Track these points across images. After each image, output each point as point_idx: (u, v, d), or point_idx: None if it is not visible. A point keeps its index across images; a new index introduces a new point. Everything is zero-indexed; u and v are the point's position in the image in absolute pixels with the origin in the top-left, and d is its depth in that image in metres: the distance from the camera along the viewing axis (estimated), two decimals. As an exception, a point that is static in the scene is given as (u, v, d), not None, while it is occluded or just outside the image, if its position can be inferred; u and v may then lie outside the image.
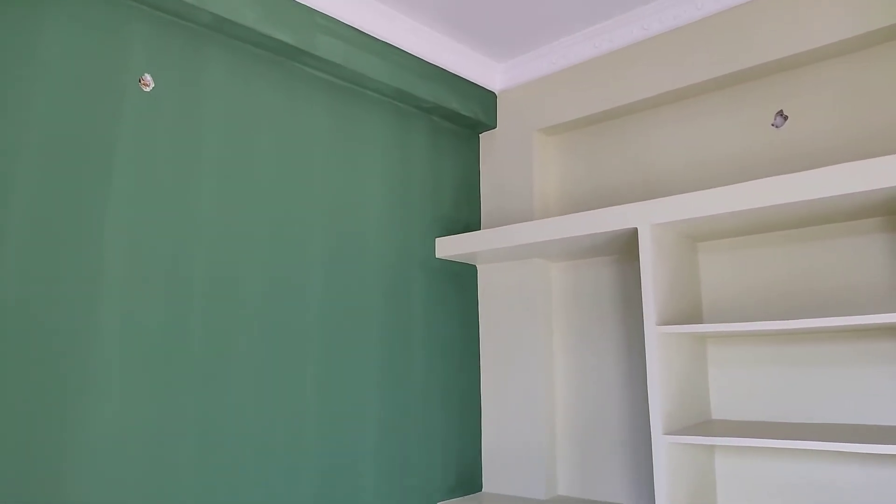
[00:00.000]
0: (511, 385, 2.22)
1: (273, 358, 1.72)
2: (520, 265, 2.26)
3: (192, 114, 1.64)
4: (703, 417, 1.84)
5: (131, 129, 1.52)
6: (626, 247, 2.00)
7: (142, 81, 1.55)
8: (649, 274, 1.71)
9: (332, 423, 1.83)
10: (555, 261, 2.25)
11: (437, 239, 2.23)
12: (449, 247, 2.19)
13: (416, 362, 2.10)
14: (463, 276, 2.33)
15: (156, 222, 1.54)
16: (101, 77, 1.49)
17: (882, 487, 1.60)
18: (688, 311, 1.85)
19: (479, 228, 2.43)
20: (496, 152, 2.43)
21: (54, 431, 1.34)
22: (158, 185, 1.56)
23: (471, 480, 2.23)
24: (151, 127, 1.56)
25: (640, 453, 2.01)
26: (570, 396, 2.19)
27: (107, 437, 1.41)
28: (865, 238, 1.68)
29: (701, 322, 1.92)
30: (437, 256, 2.23)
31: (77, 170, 1.43)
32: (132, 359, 1.46)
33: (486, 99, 2.40)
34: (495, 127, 2.43)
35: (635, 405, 2.03)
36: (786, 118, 1.83)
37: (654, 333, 1.68)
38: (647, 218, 1.73)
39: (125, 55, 1.53)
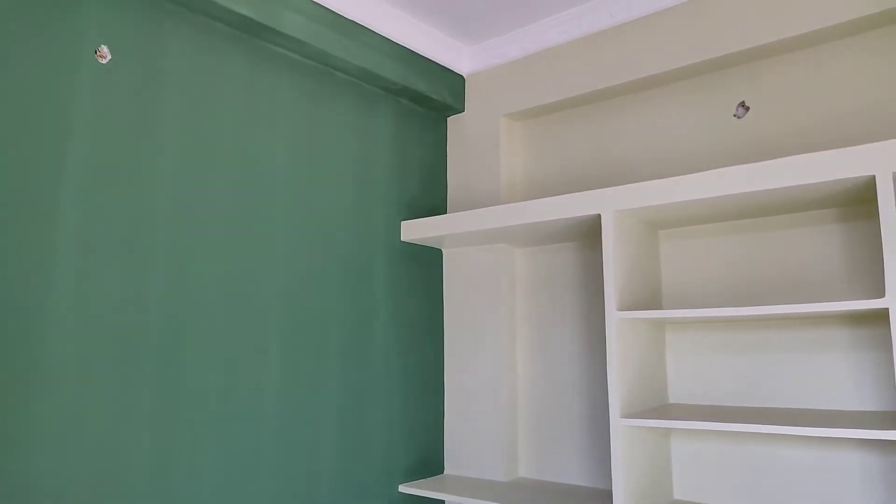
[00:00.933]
0: (474, 368, 2.24)
1: (233, 339, 1.70)
2: (485, 250, 2.26)
3: (150, 88, 1.60)
4: (660, 402, 1.88)
5: (87, 102, 1.48)
6: (589, 233, 2.02)
7: (98, 53, 1.50)
8: (611, 260, 1.73)
9: (293, 405, 1.82)
10: (519, 246, 2.26)
11: (402, 222, 2.22)
12: (414, 230, 2.18)
13: (379, 345, 2.10)
14: (428, 260, 2.32)
15: (112, 198, 1.50)
16: (55, 48, 1.44)
17: (831, 470, 1.65)
18: (648, 298, 1.88)
19: (445, 212, 2.42)
20: (463, 136, 2.42)
21: (5, 413, 1.30)
22: (115, 160, 1.52)
23: (432, 462, 2.24)
24: (108, 100, 1.52)
25: (599, 436, 2.04)
26: (531, 380, 2.21)
27: (61, 418, 1.38)
28: (821, 228, 1.72)
29: (661, 308, 1.95)
30: (402, 240, 2.22)
31: (31, 143, 1.38)
32: (87, 338, 1.43)
33: (454, 82, 2.39)
34: (463, 111, 2.42)
35: (595, 389, 2.06)
36: (747, 109, 1.86)
37: (615, 319, 1.70)
38: (609, 204, 1.74)
39: (80, 26, 1.48)
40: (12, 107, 1.37)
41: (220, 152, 1.72)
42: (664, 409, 1.78)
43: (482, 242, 2.23)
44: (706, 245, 1.90)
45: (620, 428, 1.66)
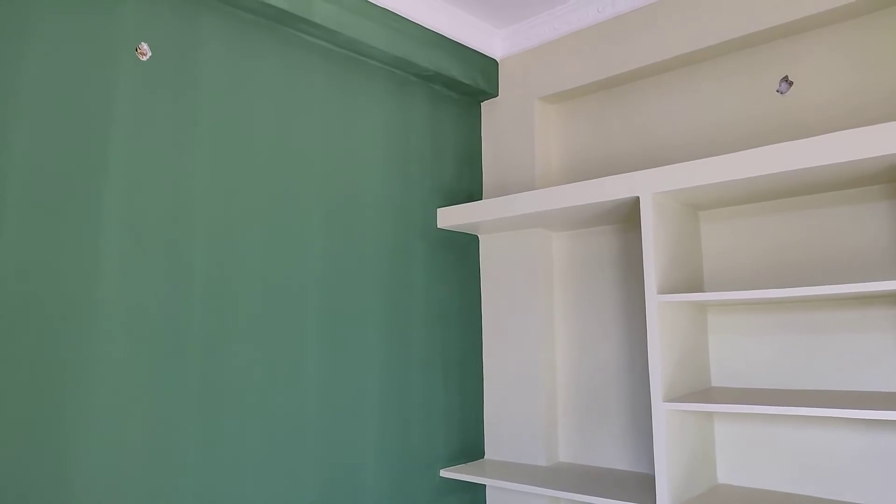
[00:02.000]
0: (512, 353, 2.24)
1: (273, 331, 1.73)
2: (521, 235, 2.25)
3: (188, 82, 1.62)
4: (703, 385, 1.85)
5: (129, 98, 1.51)
6: (627, 216, 2.00)
7: (138, 50, 1.53)
8: (651, 243, 1.70)
9: (335, 395, 1.85)
10: (556, 230, 2.25)
11: (438, 209, 2.23)
12: (450, 217, 2.18)
13: (417, 332, 2.11)
14: (464, 247, 2.32)
15: (153, 194, 1.53)
16: (96, 47, 1.47)
17: (880, 453, 1.62)
18: (689, 280, 1.85)
19: (480, 198, 2.42)
20: (497, 121, 2.40)
21: (54, 411, 1.35)
22: (156, 155, 1.55)
23: (473, 448, 2.26)
24: (149, 96, 1.54)
25: (641, 420, 2.02)
26: (571, 365, 2.20)
27: (107, 416, 1.42)
28: (867, 206, 1.67)
29: (702, 291, 1.92)
30: (438, 227, 2.22)
31: (74, 143, 1.42)
32: (132, 334, 1.47)
33: (488, 66, 2.37)
34: (497, 95, 2.41)
35: (635, 373, 2.05)
36: (791, 84, 1.80)
37: (655, 302, 1.68)
38: (649, 186, 1.72)
39: (119, 24, 1.51)
40: (57, 105, 1.40)
41: (256, 143, 1.74)
42: (707, 393, 1.76)
43: (518, 227, 2.22)
44: (748, 225, 1.86)
45: (663, 412, 1.65)
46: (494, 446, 2.26)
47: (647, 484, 1.85)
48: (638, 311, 2.06)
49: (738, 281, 1.87)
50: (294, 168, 1.82)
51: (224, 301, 1.63)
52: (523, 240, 2.25)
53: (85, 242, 1.41)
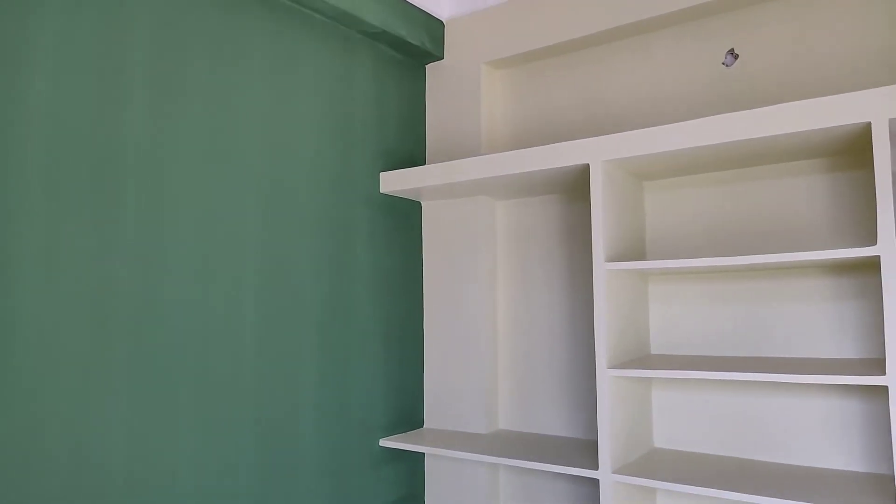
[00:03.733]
0: (454, 322, 2.21)
1: (206, 296, 1.63)
2: (465, 202, 2.22)
3: (116, 28, 1.48)
4: (642, 353, 1.88)
5: (50, 36, 1.36)
6: (574, 185, 1.99)
7: (58, -17, 1.38)
8: (599, 211, 1.70)
9: (269, 363, 1.77)
10: (500, 198, 2.22)
11: (381, 173, 2.16)
12: (393, 182, 2.12)
13: (357, 299, 2.05)
14: (407, 213, 2.27)
15: (80, 141, 1.40)
16: (10, -25, 1.31)
17: (811, 417, 1.69)
18: (633, 250, 1.87)
19: (424, 163, 2.36)
20: (443, 85, 2.35)
21: (-31, 368, 1.22)
22: (78, 101, 1.41)
23: (412, 416, 2.23)
24: (72, 44, 1.40)
25: (580, 388, 2.05)
26: (512, 333, 2.20)
27: (31, 375, 1.30)
28: (808, 178, 1.72)
29: (646, 259, 1.94)
30: (381, 191, 2.15)
31: (-15, 80, 1.27)
32: (57, 292, 1.35)
33: (434, 27, 2.30)
34: (442, 58, 2.34)
35: (577, 341, 2.06)
36: (736, 57, 1.83)
37: (603, 270, 1.68)
38: (599, 154, 1.71)
39: (37, -49, 1.36)
40: (-35, 38, 1.25)
41: (189, 94, 1.62)
42: (647, 360, 1.79)
43: (462, 195, 2.18)
44: (691, 196, 1.89)
45: (607, 378, 1.66)
46: (434, 415, 2.24)
47: (586, 449, 1.88)
48: (580, 280, 2.07)
49: (680, 251, 1.90)
50: (229, 125, 1.71)
51: (155, 263, 1.52)
52: (467, 207, 2.21)
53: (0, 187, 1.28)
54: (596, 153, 1.71)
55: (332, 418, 1.93)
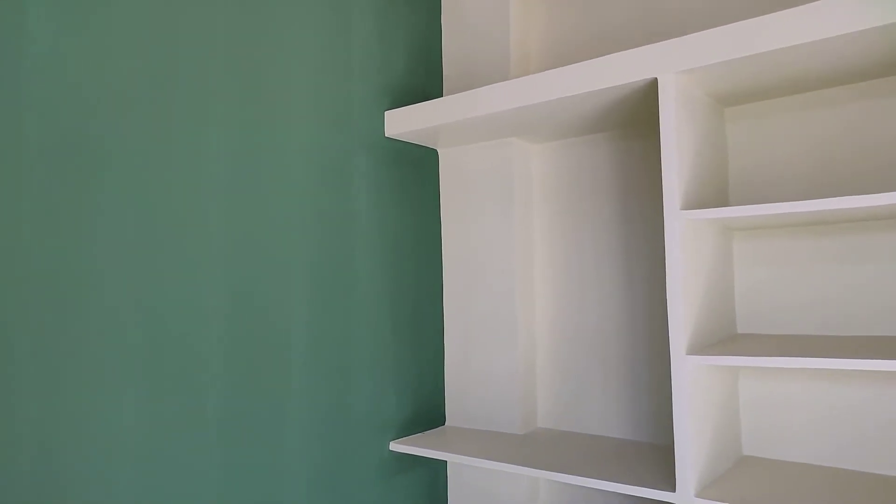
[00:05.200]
0: (481, 296, 1.79)
1: (160, 265, 1.23)
2: (492, 147, 1.78)
3: None
4: (728, 331, 1.44)
5: None
6: (631, 115, 1.54)
7: None
8: (672, 142, 1.25)
9: (244, 343, 1.37)
10: (536, 141, 1.78)
11: (386, 112, 1.73)
12: (401, 121, 1.69)
13: (359, 269, 1.64)
14: (420, 163, 1.84)
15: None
16: None
17: (966, 418, 1.23)
18: (714, 196, 1.41)
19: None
20: (462, 0, 1.90)
21: None
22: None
23: (431, 413, 1.82)
24: None
25: (641, 378, 1.61)
26: (554, 309, 1.76)
27: None
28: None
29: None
30: (386, 135, 1.73)
31: None
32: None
33: (450, -68, 1.85)
34: (461, -30, 1.89)
35: (636, 318, 1.62)
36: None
37: (679, 221, 1.24)
38: (671, 63, 1.25)
39: None
40: None
41: (130, 21, 1.21)
42: (735, 342, 1.34)
43: (488, 137, 1.74)
44: (789, 124, 1.42)
45: (687, 368, 1.22)
46: (458, 411, 1.83)
47: (653, 457, 1.45)
48: (641, 240, 1.62)
49: (773, 197, 1.45)
50: (198, 55, 1.29)
51: (88, 210, 1.13)
52: (495, 153, 1.77)
53: None
54: (666, 62, 1.26)
55: (327, 415, 1.53)
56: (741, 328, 1.48)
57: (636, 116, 1.53)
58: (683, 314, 1.23)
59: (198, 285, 1.28)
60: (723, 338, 1.40)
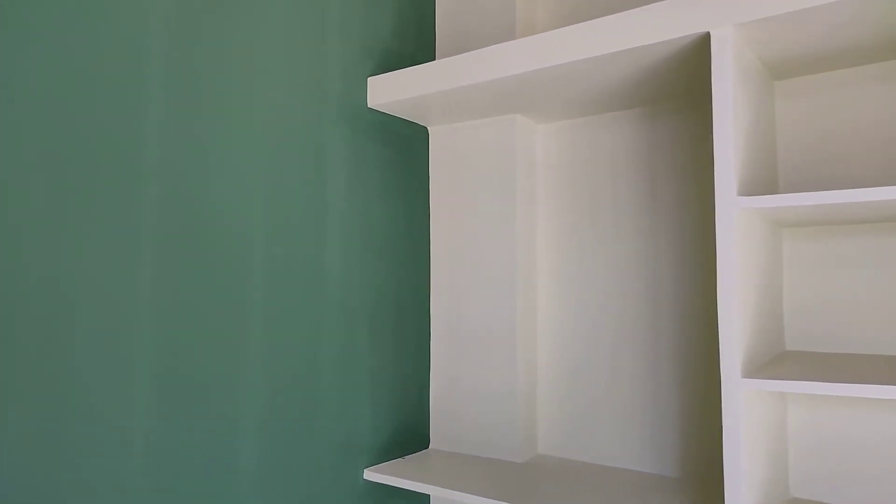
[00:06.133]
0: (474, 300, 1.53)
1: (84, 267, 0.95)
2: (491, 125, 1.52)
3: None
4: (777, 348, 1.19)
5: None
6: (667, 88, 1.29)
7: None
8: (729, 112, 1.00)
9: (181, 351, 1.09)
10: (543, 119, 1.52)
11: (369, 79, 1.46)
12: (386, 89, 1.42)
13: (330, 268, 1.36)
14: (407, 142, 1.58)
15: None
16: None
17: None
18: (766, 185, 1.17)
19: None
20: (460, -42, 1.64)
21: None
22: None
23: (413, 434, 1.55)
24: None
25: (661, 399, 1.36)
26: (559, 317, 1.51)
27: None
28: None
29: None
30: (369, 106, 1.46)
31: None
32: None
33: None
34: (459, -80, 1.63)
35: (659, 332, 1.37)
36: None
37: (734, 210, 0.99)
38: (728, 14, 1.00)
39: None
40: None
41: None
42: (793, 363, 1.10)
43: (487, 113, 1.48)
44: (848, 99, 1.19)
45: (742, 393, 0.98)
46: (445, 432, 1.57)
47: (681, 495, 1.20)
48: (667, 239, 1.37)
49: (827, 183, 1.21)
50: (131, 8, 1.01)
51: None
52: (494, 132, 1.52)
53: None
54: (723, 13, 1.01)
55: (289, 438, 1.26)
56: (790, 343, 1.23)
57: (673, 87, 1.29)
58: (739, 329, 0.98)
59: (119, 283, 1.00)
60: (772, 356, 1.16)
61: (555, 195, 1.53)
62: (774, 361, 1.11)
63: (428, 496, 1.58)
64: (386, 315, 1.49)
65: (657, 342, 1.37)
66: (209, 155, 1.13)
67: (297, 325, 1.28)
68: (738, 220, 0.99)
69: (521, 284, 1.47)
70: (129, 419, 1.00)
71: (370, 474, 1.39)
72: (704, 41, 1.05)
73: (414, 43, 1.60)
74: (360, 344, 1.42)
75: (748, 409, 1.00)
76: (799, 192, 1.18)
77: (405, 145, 1.56)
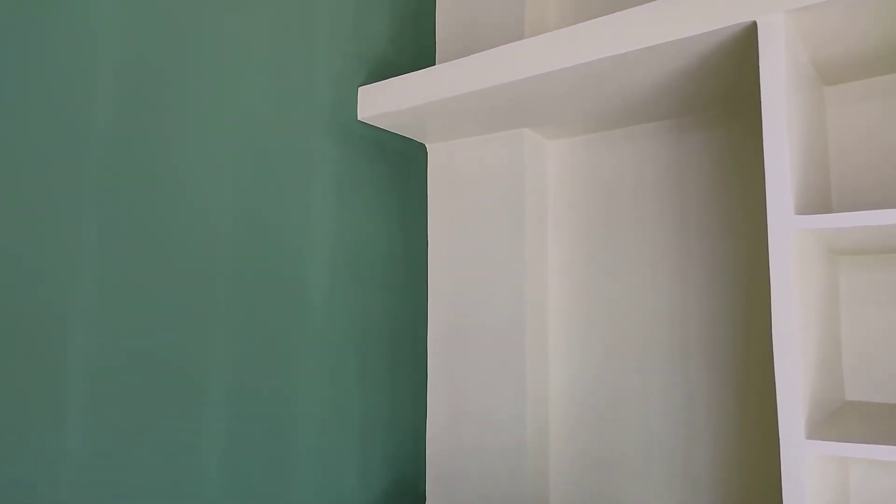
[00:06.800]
0: (477, 336, 1.35)
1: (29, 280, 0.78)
2: (495, 142, 1.36)
3: None
4: (837, 399, 1.01)
5: None
6: (699, 95, 1.12)
7: None
8: (781, 115, 0.83)
9: (125, 392, 0.91)
10: (555, 134, 1.36)
11: (360, 88, 1.31)
12: (380, 100, 1.27)
13: (313, 297, 1.19)
14: (403, 160, 1.42)
15: None
16: None
17: None
18: (817, 204, 1.00)
19: (430, 88, 1.50)
20: (462, -39, 1.49)
21: None
22: None
23: (407, 489, 1.36)
24: None
25: (695, 458, 1.17)
26: (574, 358, 1.32)
27: None
28: None
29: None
30: (359, 118, 1.30)
31: None
32: None
33: None
34: (462, -80, 1.50)
35: (689, 374, 1.19)
36: None
37: (790, 231, 0.81)
38: (780, 0, 0.84)
39: None
40: None
41: None
42: (850, 416, 0.91)
43: (492, 128, 1.32)
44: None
45: (807, 457, 0.79)
46: (443, 488, 1.37)
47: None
48: (698, 269, 1.20)
49: (877, 197, 1.04)
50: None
51: None
52: (499, 149, 1.35)
53: None
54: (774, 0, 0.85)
55: (257, 497, 1.07)
56: (850, 394, 1.05)
57: (708, 94, 1.12)
58: (800, 377, 0.80)
59: (62, 313, 0.83)
60: (833, 409, 0.97)
61: (568, 221, 1.36)
62: (837, 416, 0.93)
63: (423, 566, 1.38)
64: (376, 353, 1.31)
65: (689, 388, 1.18)
66: (177, 166, 0.97)
67: (272, 362, 1.10)
68: (794, 243, 0.82)
69: (531, 319, 1.29)
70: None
71: (356, 541, 1.20)
72: (749, 34, 0.89)
73: (412, 50, 1.45)
74: (345, 386, 1.24)
75: (812, 476, 0.81)
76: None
77: (401, 163, 1.40)
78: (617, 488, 1.25)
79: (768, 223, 0.82)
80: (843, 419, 0.89)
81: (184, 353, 0.97)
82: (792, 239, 0.81)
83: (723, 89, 1.09)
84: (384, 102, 1.25)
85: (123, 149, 0.91)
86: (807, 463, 0.79)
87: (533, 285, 1.31)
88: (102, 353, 0.87)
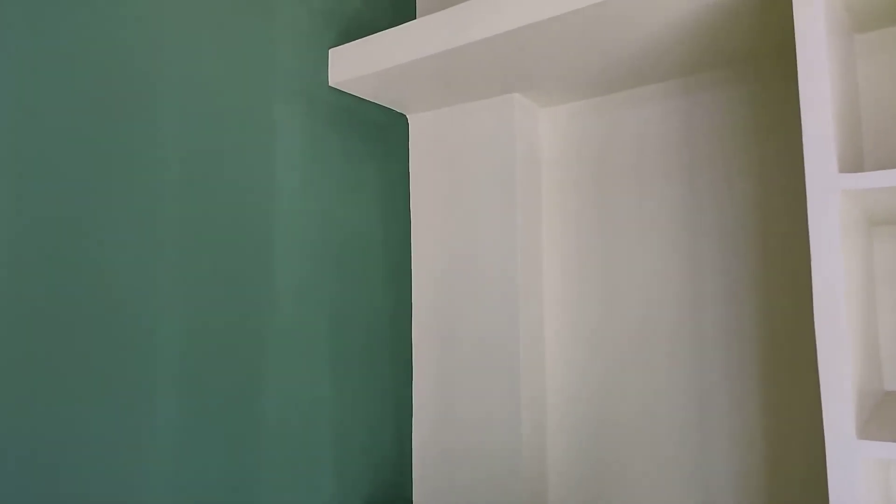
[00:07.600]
0: (466, 328, 1.21)
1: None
2: (483, 109, 1.22)
3: None
4: (878, 392, 0.88)
5: None
6: (714, 48, 0.99)
7: None
8: (822, 62, 0.70)
9: (74, 396, 0.77)
10: (548, 100, 1.23)
11: (330, 50, 1.17)
12: (353, 62, 1.13)
13: (280, 285, 1.05)
14: (383, 132, 1.28)
15: None
16: None
17: None
18: (851, 163, 0.87)
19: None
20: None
21: None
22: None
23: (390, 498, 1.23)
24: None
25: (709, 456, 1.05)
26: (573, 351, 1.20)
27: None
28: None
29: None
30: (330, 84, 1.16)
31: None
32: None
33: None
34: None
35: (704, 366, 1.06)
36: None
37: (834, 193, 0.69)
38: (816, -80, 0.71)
39: None
40: None
41: None
42: (894, 408, 0.79)
43: (478, 94, 1.19)
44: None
45: (857, 459, 0.66)
46: (431, 490, 1.24)
47: None
48: (712, 242, 1.07)
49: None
50: None
51: None
52: (487, 117, 1.22)
53: None
54: (810, -82, 0.72)
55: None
56: (889, 383, 0.92)
57: (725, 45, 0.99)
58: (848, 367, 0.67)
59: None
60: (876, 401, 0.84)
61: (563, 193, 1.23)
62: (882, 410, 0.80)
63: (409, 583, 1.25)
64: (353, 347, 1.17)
65: (699, 376, 1.06)
66: (119, 135, 0.82)
67: (234, 360, 0.96)
68: (838, 208, 0.69)
69: (524, 308, 1.16)
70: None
71: (333, 556, 1.07)
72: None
73: (389, 5, 1.31)
74: (319, 384, 1.10)
75: (865, 482, 0.68)
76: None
77: (379, 136, 1.26)
78: (623, 498, 1.12)
79: (807, 186, 0.70)
80: (891, 414, 0.77)
81: (126, 347, 0.83)
82: (838, 201, 0.68)
83: (742, 40, 0.96)
84: (358, 65, 1.11)
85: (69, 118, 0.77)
86: (857, 465, 0.66)
87: (526, 270, 1.18)
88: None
